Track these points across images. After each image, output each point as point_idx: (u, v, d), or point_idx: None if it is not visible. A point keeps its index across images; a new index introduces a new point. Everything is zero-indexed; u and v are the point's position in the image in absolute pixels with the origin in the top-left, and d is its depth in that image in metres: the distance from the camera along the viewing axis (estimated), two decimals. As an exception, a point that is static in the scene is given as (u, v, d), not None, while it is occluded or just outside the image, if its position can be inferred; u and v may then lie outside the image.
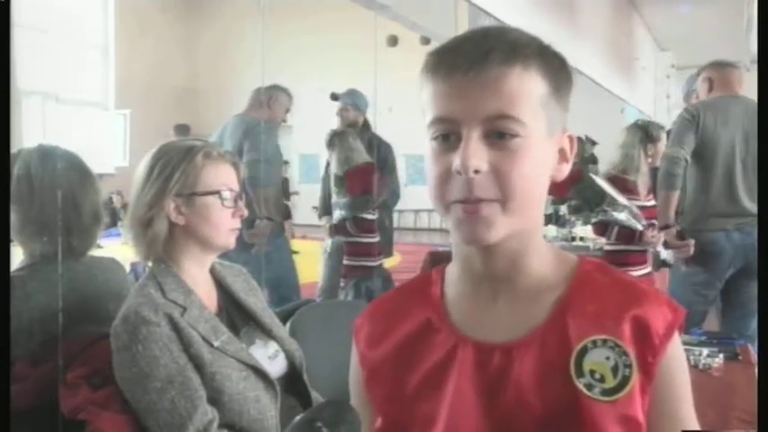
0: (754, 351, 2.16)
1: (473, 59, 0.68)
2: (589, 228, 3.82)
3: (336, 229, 3.61)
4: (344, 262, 3.61)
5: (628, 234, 3.04)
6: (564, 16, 5.15)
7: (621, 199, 3.03)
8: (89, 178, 1.51)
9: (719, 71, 3.08)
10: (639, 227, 3.01)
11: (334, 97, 3.99)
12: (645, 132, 3.17)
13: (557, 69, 0.72)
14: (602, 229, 3.15)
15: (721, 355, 2.09)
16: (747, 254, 2.89)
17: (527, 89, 0.69)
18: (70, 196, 1.44)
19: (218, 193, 1.36)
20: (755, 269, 2.87)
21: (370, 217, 3.55)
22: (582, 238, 4.68)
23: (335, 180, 3.58)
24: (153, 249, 1.34)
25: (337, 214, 3.58)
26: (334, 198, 3.60)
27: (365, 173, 3.54)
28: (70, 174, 1.46)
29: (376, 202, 3.57)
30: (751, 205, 2.89)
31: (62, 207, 1.41)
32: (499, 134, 0.68)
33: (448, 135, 0.70)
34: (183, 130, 5.31)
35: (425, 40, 7.40)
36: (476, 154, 0.67)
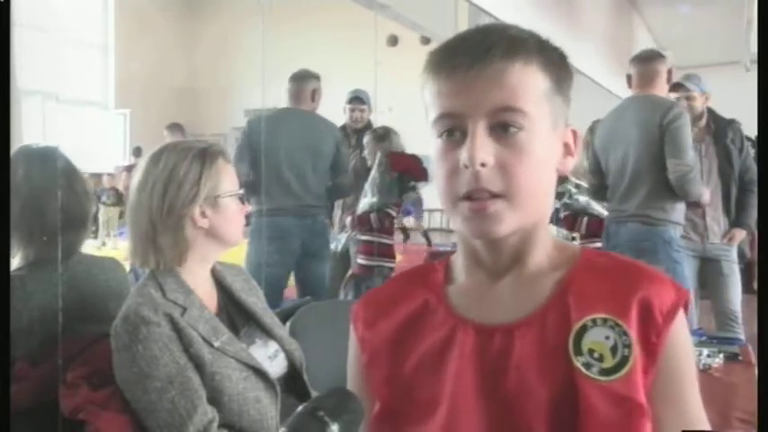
0: (754, 351, 2.16)
1: (475, 56, 0.68)
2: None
3: (360, 221, 3.58)
4: (359, 261, 3.61)
5: (597, 224, 3.08)
6: (564, 16, 5.15)
7: (581, 181, 3.10)
8: (75, 178, 1.50)
9: (635, 67, 3.06)
10: (605, 212, 3.07)
11: (357, 99, 3.99)
12: None
13: (557, 63, 0.73)
14: (572, 221, 3.18)
15: (721, 355, 2.08)
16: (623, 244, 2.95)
17: (529, 82, 0.70)
18: (44, 197, 1.42)
19: (238, 193, 1.39)
20: (640, 259, 2.87)
21: (392, 213, 3.57)
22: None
23: (379, 162, 3.59)
24: (183, 256, 1.33)
25: (366, 202, 3.57)
26: (368, 184, 3.61)
27: (411, 158, 3.63)
28: (48, 174, 1.44)
29: (414, 187, 3.61)
30: (628, 204, 2.92)
31: (43, 208, 1.41)
32: (504, 127, 0.69)
33: (453, 131, 0.70)
34: (177, 129, 5.25)
35: (425, 40, 7.39)
36: (482, 147, 0.68)
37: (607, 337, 0.69)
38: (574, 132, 0.76)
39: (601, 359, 0.68)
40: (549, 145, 0.72)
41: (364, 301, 0.85)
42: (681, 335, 0.71)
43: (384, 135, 3.71)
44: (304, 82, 3.42)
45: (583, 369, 0.68)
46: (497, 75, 0.68)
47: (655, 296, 0.70)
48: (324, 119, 3.47)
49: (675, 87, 3.23)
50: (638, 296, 0.70)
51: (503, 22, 3.73)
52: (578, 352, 0.69)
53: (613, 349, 0.68)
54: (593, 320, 0.70)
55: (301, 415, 0.75)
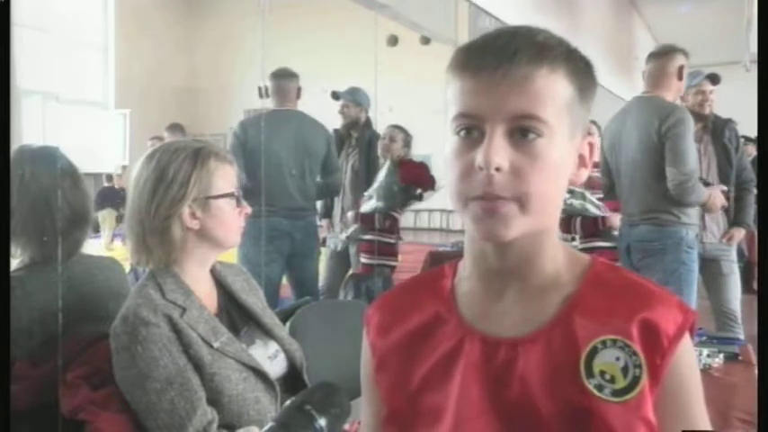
0: (754, 351, 2.16)
1: (501, 58, 0.68)
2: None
3: (363, 220, 3.61)
4: (362, 260, 3.63)
5: (591, 224, 3.10)
6: (564, 16, 5.15)
7: (576, 187, 3.13)
8: (79, 178, 1.50)
9: (646, 65, 3.05)
10: (599, 213, 3.09)
11: (335, 96, 3.98)
12: None
13: (582, 73, 0.73)
14: (566, 224, 3.21)
15: (721, 355, 2.09)
16: (634, 245, 2.98)
17: (553, 90, 0.69)
18: (46, 197, 1.42)
19: (231, 194, 1.36)
20: (648, 260, 2.87)
21: (396, 216, 3.61)
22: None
23: (390, 165, 3.61)
24: (171, 256, 1.33)
25: (370, 205, 3.60)
26: (373, 187, 3.63)
27: (420, 167, 3.67)
28: (49, 174, 1.44)
29: (421, 196, 3.66)
30: (639, 207, 2.94)
31: (52, 207, 1.41)
32: (522, 133, 0.69)
33: (471, 130, 0.70)
34: (177, 129, 5.24)
35: (425, 40, 7.40)
36: (498, 151, 0.67)
37: (618, 358, 0.69)
38: (591, 145, 0.76)
39: (612, 380, 0.69)
40: (565, 154, 0.72)
41: (377, 306, 0.85)
42: (686, 356, 0.71)
43: (400, 127, 3.77)
44: (290, 80, 3.42)
45: (595, 391, 0.68)
46: (522, 80, 0.68)
47: (661, 318, 0.70)
48: (313, 118, 3.48)
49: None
50: (644, 318, 0.70)
51: (503, 22, 3.74)
52: (590, 374, 0.69)
53: (624, 370, 0.69)
54: (603, 342, 0.70)
55: (289, 409, 0.75)
